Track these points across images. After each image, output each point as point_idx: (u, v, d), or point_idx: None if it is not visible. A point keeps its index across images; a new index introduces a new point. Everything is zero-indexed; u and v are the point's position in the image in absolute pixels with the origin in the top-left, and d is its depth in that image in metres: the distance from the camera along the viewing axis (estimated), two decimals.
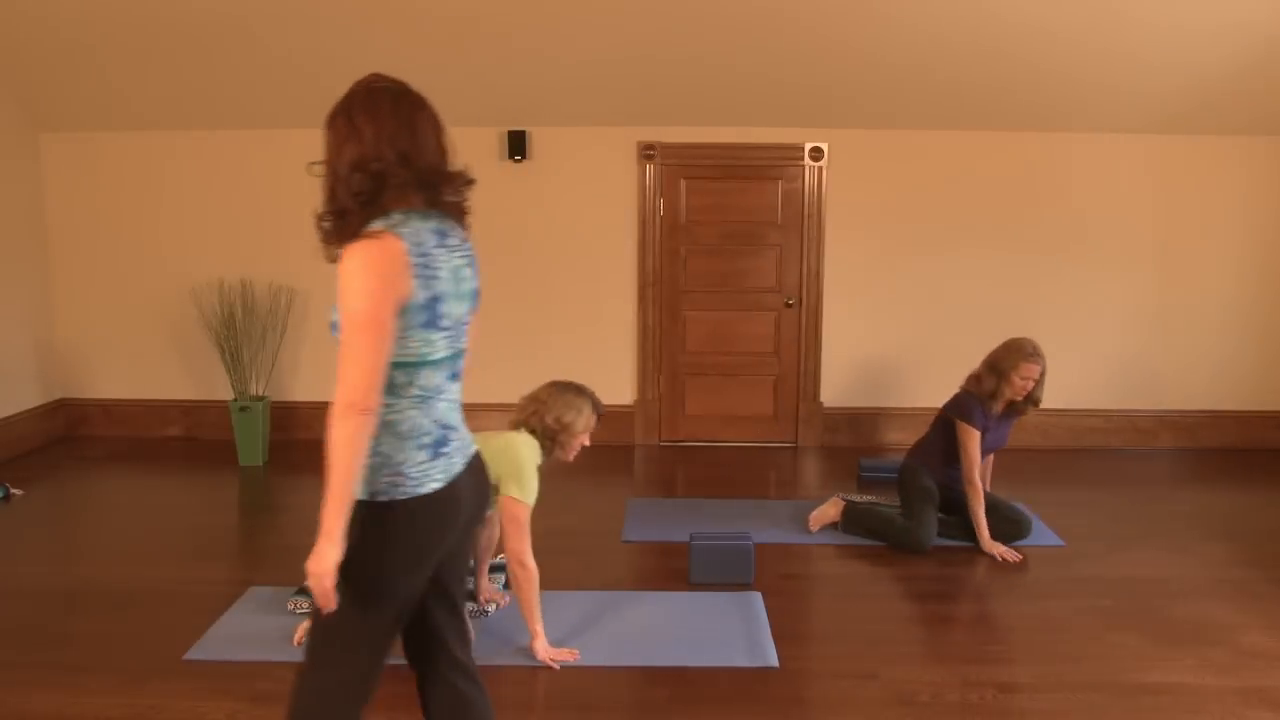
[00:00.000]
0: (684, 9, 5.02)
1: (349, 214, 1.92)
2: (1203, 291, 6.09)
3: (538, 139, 5.98)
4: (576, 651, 3.28)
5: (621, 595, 3.81)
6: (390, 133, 1.95)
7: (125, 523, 4.76)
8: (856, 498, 4.67)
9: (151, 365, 6.19)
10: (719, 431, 6.28)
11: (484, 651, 3.29)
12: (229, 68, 5.51)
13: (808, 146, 5.97)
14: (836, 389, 6.20)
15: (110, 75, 5.56)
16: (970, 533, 4.36)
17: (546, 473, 5.99)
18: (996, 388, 4.35)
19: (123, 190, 6.16)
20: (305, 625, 3.17)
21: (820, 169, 5.99)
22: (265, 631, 3.39)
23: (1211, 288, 6.08)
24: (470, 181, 2.14)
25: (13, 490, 5.09)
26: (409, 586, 1.99)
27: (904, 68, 5.41)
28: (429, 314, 1.95)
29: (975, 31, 5.11)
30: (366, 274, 1.84)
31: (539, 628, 3.25)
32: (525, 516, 3.18)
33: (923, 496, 4.41)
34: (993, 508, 4.42)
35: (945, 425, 4.46)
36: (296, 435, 6.08)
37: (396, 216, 1.94)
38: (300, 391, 6.21)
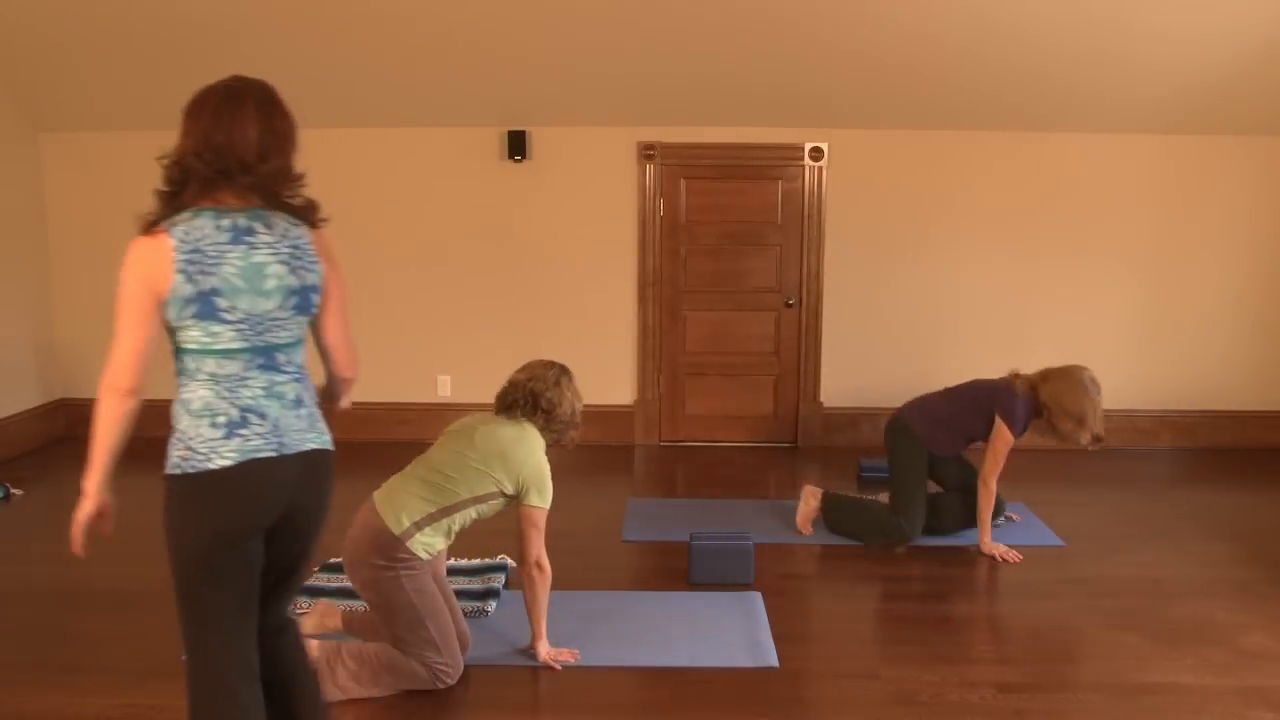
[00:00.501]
0: (684, 9, 5.02)
1: (156, 206, 2.09)
2: (1203, 291, 6.09)
3: (538, 139, 5.98)
4: (577, 652, 3.27)
5: (621, 595, 3.81)
6: (205, 130, 2.07)
7: (125, 523, 4.72)
8: (821, 491, 4.60)
9: (151, 365, 6.18)
10: (719, 431, 6.28)
11: (485, 652, 3.29)
12: (229, 68, 5.45)
13: (808, 146, 5.97)
14: (836, 389, 6.20)
15: (110, 75, 5.57)
16: (944, 525, 4.38)
17: None
18: (1063, 431, 4.15)
19: (123, 190, 6.13)
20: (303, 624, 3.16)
21: (820, 169, 5.99)
22: None
23: (1211, 288, 6.08)
24: (297, 178, 2.19)
25: (13, 490, 5.09)
26: (218, 559, 2.10)
27: (904, 68, 5.41)
28: (203, 306, 2.05)
29: (975, 32, 5.11)
30: (127, 268, 2.03)
31: (543, 629, 3.24)
32: (544, 520, 3.14)
33: (916, 482, 4.31)
34: (966, 488, 4.40)
35: (981, 412, 4.27)
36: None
37: (186, 214, 2.05)
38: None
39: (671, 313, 6.16)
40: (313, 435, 2.20)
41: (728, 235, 6.10)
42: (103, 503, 2.16)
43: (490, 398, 3.33)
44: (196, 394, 2.11)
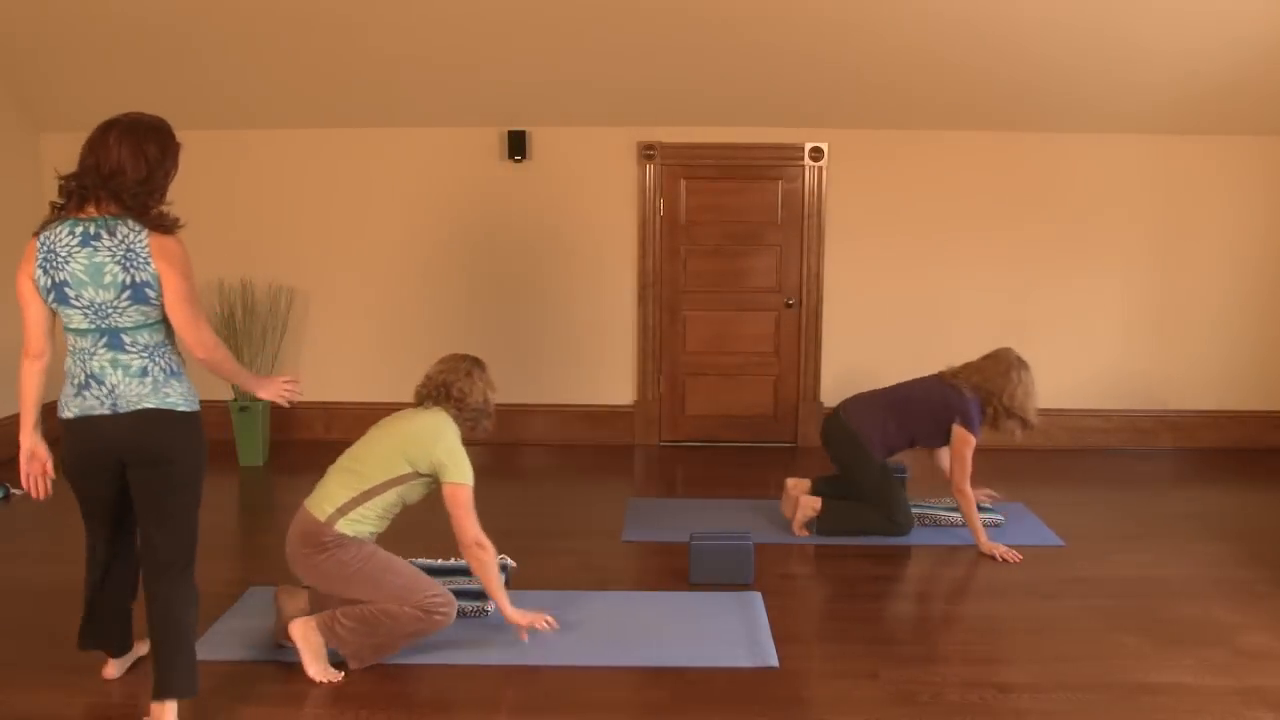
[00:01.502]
0: (684, 9, 5.02)
1: (47, 215, 2.71)
2: (1203, 291, 6.09)
3: (538, 139, 5.98)
4: (553, 619, 3.32)
5: (621, 595, 3.81)
6: (82, 155, 2.66)
7: None
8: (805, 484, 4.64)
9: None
10: (719, 431, 6.28)
11: (485, 652, 3.30)
12: (229, 68, 5.51)
13: (808, 146, 5.97)
14: (836, 389, 6.18)
15: (110, 75, 5.56)
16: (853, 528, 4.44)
17: (546, 474, 6.01)
18: (1008, 428, 4.35)
19: None
20: (290, 626, 3.18)
21: (820, 169, 5.99)
22: (265, 631, 3.39)
23: (1212, 288, 6.08)
24: (151, 190, 2.68)
25: (13, 490, 5.09)
26: (76, 483, 2.79)
27: (904, 68, 5.41)
28: (58, 294, 2.64)
29: (975, 32, 5.11)
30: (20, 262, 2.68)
31: (506, 599, 3.30)
32: (470, 498, 3.24)
33: (884, 478, 4.42)
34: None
35: (935, 420, 4.38)
36: (297, 436, 6.08)
37: (54, 223, 2.66)
38: (301, 392, 6.21)
39: (671, 313, 6.16)
40: (154, 399, 2.70)
41: (728, 235, 6.10)
42: (31, 445, 2.77)
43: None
44: (67, 360, 2.73)
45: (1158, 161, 5.96)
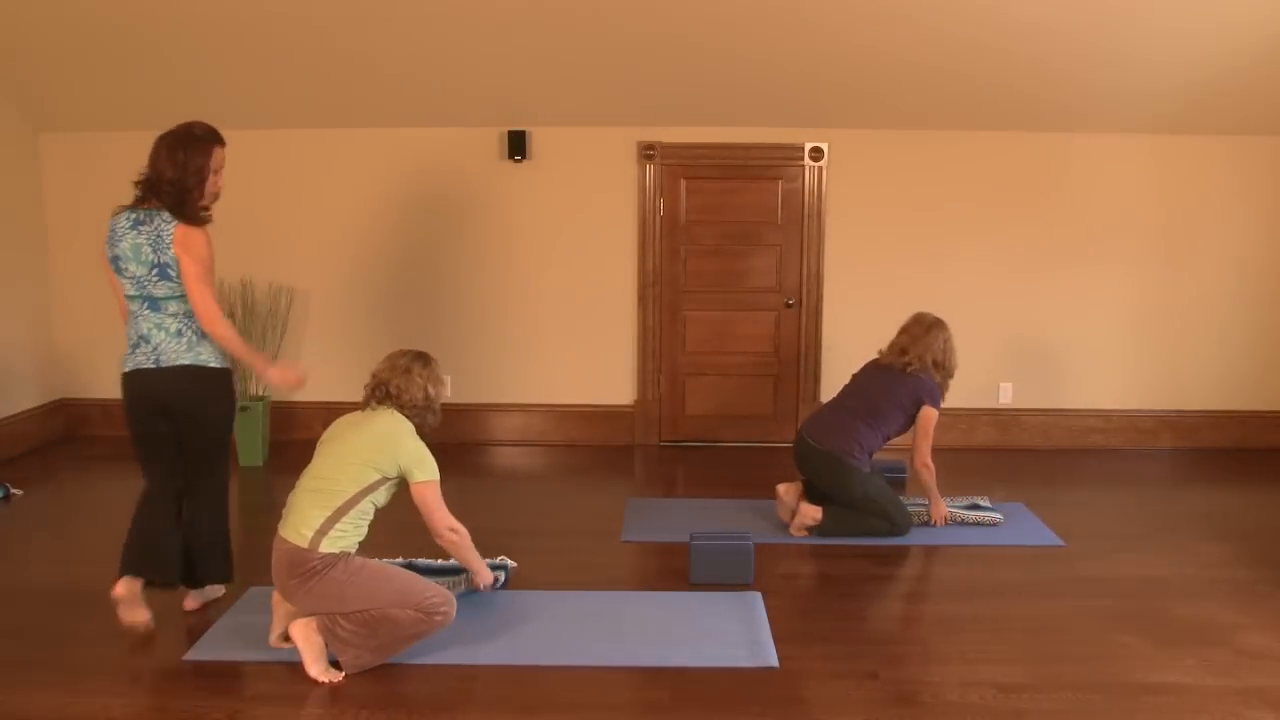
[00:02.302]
0: (684, 9, 5.02)
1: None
2: (1203, 292, 6.09)
3: (538, 139, 5.98)
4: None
5: (621, 595, 3.81)
6: (149, 161, 3.39)
7: (125, 523, 4.74)
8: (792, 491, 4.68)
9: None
10: (719, 431, 6.28)
11: (485, 652, 3.29)
12: (229, 68, 5.51)
13: (808, 146, 5.97)
14: (836, 389, 6.17)
15: (110, 75, 5.57)
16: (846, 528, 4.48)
17: (547, 474, 6.00)
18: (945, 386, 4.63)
19: (123, 190, 6.08)
20: (290, 627, 3.20)
21: (820, 169, 5.99)
22: (265, 631, 3.38)
23: (1212, 288, 6.08)
24: (188, 190, 3.37)
25: (13, 490, 5.09)
26: (138, 432, 3.42)
27: (904, 68, 5.41)
28: (114, 266, 3.39)
29: (976, 32, 5.10)
30: None
31: (481, 563, 3.51)
32: (438, 492, 3.29)
33: (878, 486, 4.48)
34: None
35: (904, 410, 4.53)
36: (297, 436, 6.08)
37: (121, 211, 3.42)
38: (300, 392, 6.19)
39: (671, 313, 6.16)
40: (189, 355, 3.37)
41: (728, 235, 6.10)
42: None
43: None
44: (127, 324, 3.42)
45: (1158, 161, 5.96)
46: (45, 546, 4.46)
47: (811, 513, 4.46)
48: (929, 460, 4.51)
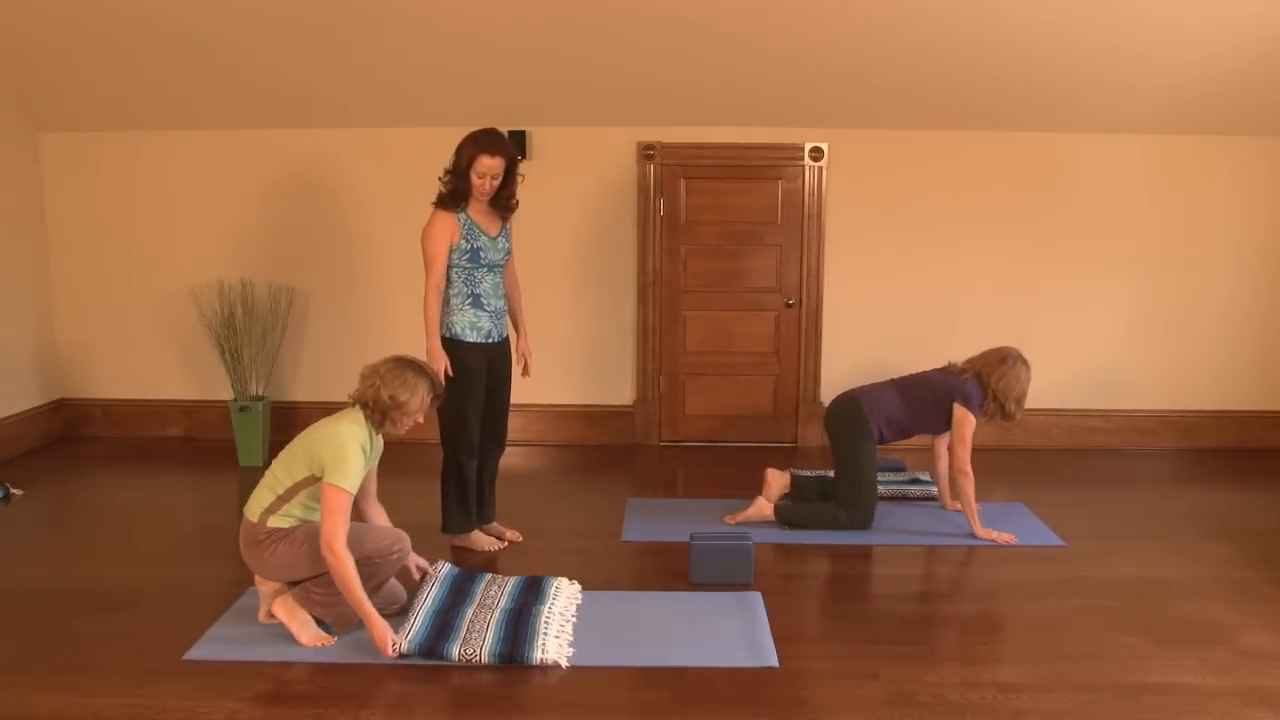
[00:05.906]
0: (684, 9, 5.02)
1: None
2: (1203, 291, 6.09)
3: (538, 139, 5.98)
4: (401, 643, 3.20)
5: (621, 595, 3.81)
6: None
7: (125, 523, 4.76)
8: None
9: (151, 365, 6.20)
10: (719, 431, 6.28)
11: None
12: (229, 68, 5.51)
13: (808, 146, 5.97)
14: (836, 389, 6.17)
15: (110, 75, 5.57)
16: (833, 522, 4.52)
17: (546, 474, 5.99)
18: (1008, 411, 4.51)
19: (123, 190, 6.15)
20: (272, 605, 3.39)
21: (820, 169, 5.99)
22: (265, 631, 3.39)
23: (1212, 288, 6.08)
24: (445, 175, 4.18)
25: (13, 490, 5.09)
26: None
27: (904, 68, 5.41)
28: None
29: (976, 31, 5.11)
30: None
31: (372, 613, 3.20)
32: (346, 503, 3.23)
33: (869, 470, 4.49)
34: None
35: (940, 408, 4.51)
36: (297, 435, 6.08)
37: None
38: (300, 392, 6.21)
39: (671, 313, 6.16)
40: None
41: (728, 235, 6.10)
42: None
43: None
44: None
45: (1158, 161, 5.95)
46: (45, 546, 4.46)
47: (779, 479, 4.66)
48: (968, 467, 4.44)
